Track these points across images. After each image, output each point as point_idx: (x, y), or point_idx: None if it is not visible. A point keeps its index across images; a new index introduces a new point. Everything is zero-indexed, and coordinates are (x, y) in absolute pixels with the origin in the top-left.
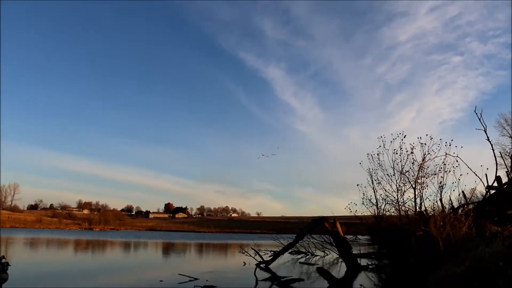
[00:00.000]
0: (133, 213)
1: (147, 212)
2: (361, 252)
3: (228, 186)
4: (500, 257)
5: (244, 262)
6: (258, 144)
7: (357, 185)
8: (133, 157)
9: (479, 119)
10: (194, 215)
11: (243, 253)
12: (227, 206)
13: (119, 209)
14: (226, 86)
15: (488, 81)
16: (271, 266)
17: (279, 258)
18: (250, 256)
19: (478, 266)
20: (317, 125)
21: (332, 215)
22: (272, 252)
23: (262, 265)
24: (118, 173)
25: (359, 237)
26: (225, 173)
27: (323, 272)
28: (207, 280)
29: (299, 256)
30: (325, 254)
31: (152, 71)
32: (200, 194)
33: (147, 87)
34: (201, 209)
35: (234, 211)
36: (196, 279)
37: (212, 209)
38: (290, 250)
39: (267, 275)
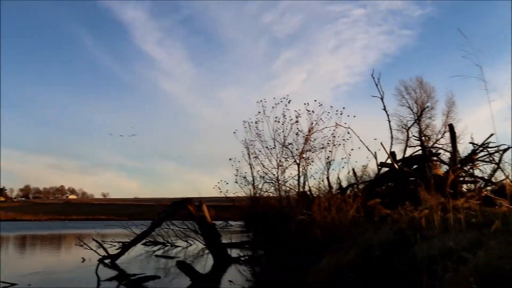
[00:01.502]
0: None
1: None
2: (233, 241)
3: (65, 159)
4: (388, 244)
5: (83, 258)
6: (111, 105)
7: (230, 159)
8: None
9: (376, 85)
10: (15, 198)
11: (81, 245)
12: (62, 186)
13: None
14: (64, 25)
15: (391, 40)
16: (119, 261)
17: (129, 251)
18: (91, 249)
19: (364, 256)
20: (187, 83)
21: (199, 196)
22: (121, 244)
23: (107, 261)
24: None
25: (231, 223)
26: (62, 141)
27: (184, 266)
28: (29, 285)
29: (155, 248)
30: (189, 245)
31: None
32: (24, 170)
33: None
34: (26, 190)
35: (73, 191)
36: (13, 284)
37: (41, 189)
38: (144, 241)
39: (113, 272)
